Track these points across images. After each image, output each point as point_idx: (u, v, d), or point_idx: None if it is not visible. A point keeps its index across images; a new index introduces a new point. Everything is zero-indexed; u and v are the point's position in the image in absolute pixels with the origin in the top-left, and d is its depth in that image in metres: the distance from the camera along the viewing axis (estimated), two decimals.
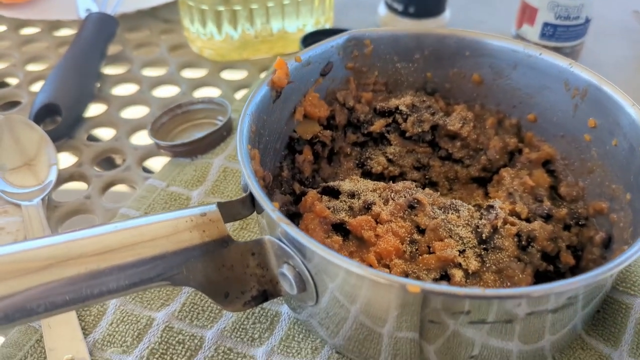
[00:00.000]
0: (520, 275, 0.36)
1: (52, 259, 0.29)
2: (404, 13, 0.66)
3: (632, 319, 0.36)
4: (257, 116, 0.38)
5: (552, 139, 0.43)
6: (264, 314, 0.39)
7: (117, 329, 0.38)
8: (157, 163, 0.53)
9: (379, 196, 0.39)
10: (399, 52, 0.46)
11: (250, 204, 0.35)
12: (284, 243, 0.31)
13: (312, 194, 0.39)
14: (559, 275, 0.39)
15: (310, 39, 0.58)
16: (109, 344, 0.37)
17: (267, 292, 0.34)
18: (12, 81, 0.63)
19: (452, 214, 0.37)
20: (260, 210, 0.35)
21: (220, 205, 0.33)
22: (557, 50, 0.59)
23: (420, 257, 0.36)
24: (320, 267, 0.30)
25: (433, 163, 0.46)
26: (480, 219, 0.37)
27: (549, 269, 0.38)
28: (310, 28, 0.64)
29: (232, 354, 0.37)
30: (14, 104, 0.60)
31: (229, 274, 0.33)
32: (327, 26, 0.66)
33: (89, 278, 0.29)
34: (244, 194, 0.35)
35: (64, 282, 0.29)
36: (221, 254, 0.32)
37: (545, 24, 0.60)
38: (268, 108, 0.40)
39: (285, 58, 0.41)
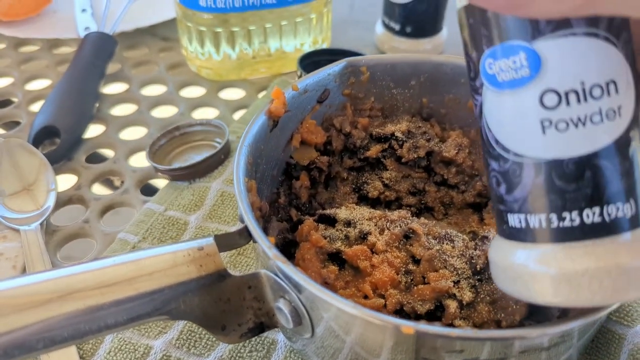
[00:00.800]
0: (514, 306, 0.36)
1: (52, 294, 0.29)
2: (401, 32, 0.66)
3: (625, 350, 0.37)
4: (255, 147, 0.38)
5: None
6: (261, 342, 0.39)
7: (115, 358, 0.38)
8: (156, 185, 0.53)
9: (375, 225, 0.39)
10: (395, 78, 0.46)
11: (246, 234, 0.35)
12: (279, 278, 0.31)
13: (308, 223, 0.40)
14: None
15: (307, 59, 0.59)
16: None
17: (264, 324, 0.35)
18: (12, 99, 0.64)
19: (447, 244, 0.38)
20: (256, 241, 0.35)
21: (217, 237, 0.33)
22: None
23: (415, 287, 0.36)
24: (315, 303, 0.30)
25: (429, 188, 0.46)
26: (475, 249, 0.37)
27: None
28: (307, 47, 0.65)
29: None
30: (13, 124, 0.60)
31: (226, 307, 0.33)
32: (325, 45, 0.67)
33: (87, 313, 0.29)
34: (241, 225, 0.35)
35: (63, 318, 0.29)
36: (218, 287, 0.32)
37: None
38: (265, 137, 0.40)
39: (282, 86, 0.41)
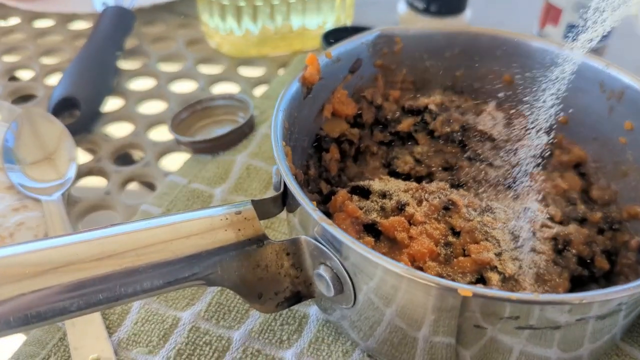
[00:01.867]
0: (557, 280, 0.35)
1: (86, 256, 0.28)
2: (425, 11, 0.65)
3: None
4: (289, 113, 0.37)
5: (584, 141, 0.43)
6: (292, 315, 0.38)
7: (142, 329, 0.37)
8: (175, 160, 0.52)
9: (412, 197, 0.38)
10: (429, 50, 0.45)
11: (281, 202, 0.34)
12: (321, 243, 0.30)
13: (342, 193, 0.38)
14: (593, 280, 0.38)
15: (331, 36, 0.58)
16: (134, 343, 0.36)
17: (301, 294, 0.33)
18: (27, 74, 0.62)
19: (487, 216, 0.37)
20: (292, 209, 0.34)
21: (254, 202, 0.32)
22: None
23: (455, 259, 0.35)
24: (360, 267, 0.29)
25: (461, 164, 0.45)
26: (517, 221, 0.36)
27: (584, 274, 0.37)
28: (330, 25, 0.63)
29: (260, 355, 0.36)
30: (29, 98, 0.59)
31: (263, 274, 0.32)
32: (348, 23, 0.66)
33: (123, 276, 0.28)
34: (275, 193, 0.34)
35: (98, 280, 0.28)
36: (256, 253, 0.31)
37: (570, 25, 0.59)
38: (299, 105, 0.39)
39: (316, 54, 0.40)
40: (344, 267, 0.30)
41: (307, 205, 0.29)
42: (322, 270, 0.31)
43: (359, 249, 0.27)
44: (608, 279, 0.39)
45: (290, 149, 0.36)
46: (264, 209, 0.33)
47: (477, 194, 0.45)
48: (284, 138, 0.35)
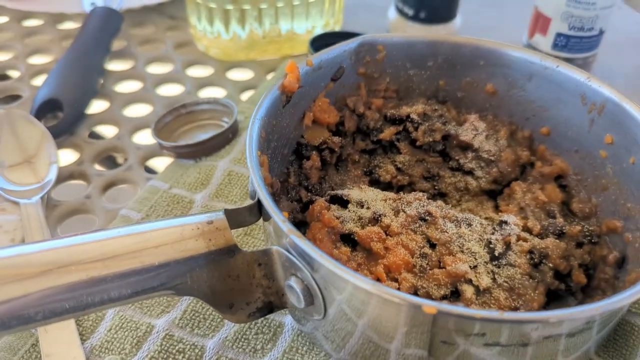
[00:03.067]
0: (532, 294, 0.35)
1: (52, 265, 0.28)
2: (415, 18, 0.65)
3: None
4: (267, 121, 0.37)
5: (565, 153, 0.42)
6: (267, 324, 0.38)
7: (115, 336, 0.37)
8: (159, 163, 0.52)
9: (390, 207, 0.38)
10: (412, 58, 0.45)
11: (257, 211, 0.34)
12: (292, 254, 0.30)
13: (320, 202, 0.38)
14: (570, 293, 0.38)
15: (319, 41, 0.57)
16: (107, 350, 0.36)
17: (273, 304, 0.33)
18: (14, 74, 0.62)
19: (464, 228, 0.36)
20: (267, 218, 0.34)
21: (227, 212, 0.32)
22: (568, 61, 0.58)
23: (430, 271, 0.35)
24: (330, 281, 0.29)
25: (443, 173, 0.45)
26: (493, 234, 0.36)
27: (561, 288, 0.37)
28: (319, 30, 0.63)
29: None
30: (14, 98, 0.59)
31: (235, 284, 0.32)
32: (337, 28, 0.65)
33: (90, 285, 0.28)
34: (251, 201, 0.34)
35: (64, 289, 0.28)
36: (227, 263, 0.31)
37: (559, 35, 0.59)
38: (278, 113, 0.39)
39: (297, 61, 0.40)
40: (314, 279, 0.30)
41: (276, 216, 0.29)
42: (293, 281, 0.31)
43: (328, 263, 0.27)
44: (586, 293, 0.38)
45: (266, 157, 0.36)
46: (237, 218, 0.33)
47: (459, 204, 0.45)
48: (260, 147, 0.35)
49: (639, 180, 0.36)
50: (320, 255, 0.27)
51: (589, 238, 0.39)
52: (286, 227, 0.29)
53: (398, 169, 0.45)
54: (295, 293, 0.31)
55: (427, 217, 0.37)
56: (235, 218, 0.33)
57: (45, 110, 0.53)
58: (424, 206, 0.37)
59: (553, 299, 0.37)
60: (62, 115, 0.52)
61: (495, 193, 0.44)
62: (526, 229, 0.39)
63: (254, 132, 0.34)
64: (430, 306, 0.25)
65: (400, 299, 0.26)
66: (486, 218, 0.42)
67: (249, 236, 0.44)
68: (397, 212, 0.37)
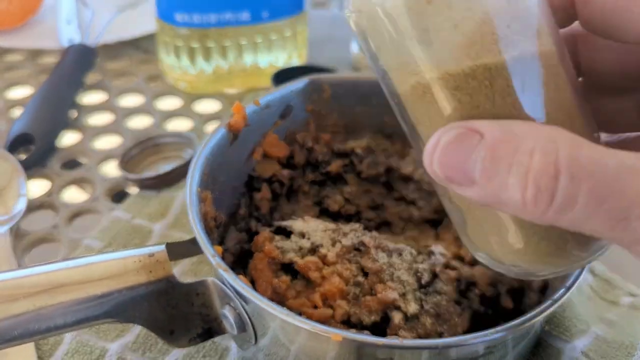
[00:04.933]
0: (456, 319, 0.37)
1: (3, 296, 0.31)
2: None
3: None
4: (212, 159, 0.39)
5: None
6: (214, 347, 0.40)
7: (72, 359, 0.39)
8: (125, 194, 0.55)
9: (329, 237, 0.40)
10: (358, 96, 0.47)
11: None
12: (225, 285, 0.33)
13: (264, 234, 0.41)
14: (498, 317, 0.40)
15: (282, 76, 0.60)
16: None
17: (212, 330, 0.36)
18: None
19: (395, 257, 0.39)
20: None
21: (168, 245, 0.34)
22: None
23: (362, 298, 0.37)
24: (257, 312, 0.32)
25: (388, 203, 0.48)
26: (422, 263, 0.39)
27: (488, 312, 0.40)
28: (282, 63, 0.66)
29: None
30: None
31: (174, 312, 0.34)
32: (300, 62, 0.68)
33: (37, 315, 0.31)
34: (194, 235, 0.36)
35: (12, 318, 0.30)
36: (166, 293, 0.34)
37: None
38: (225, 150, 0.41)
39: (244, 102, 0.43)
40: (244, 309, 0.32)
41: (208, 251, 0.32)
42: (226, 310, 0.33)
43: (250, 295, 0.30)
44: (513, 316, 0.41)
45: (209, 193, 0.39)
46: (181, 250, 0.36)
47: (403, 232, 0.48)
48: (203, 184, 0.37)
49: None
50: (243, 288, 0.30)
51: None
52: (215, 261, 0.31)
53: (346, 200, 0.48)
54: (229, 321, 0.33)
55: (361, 248, 0.39)
56: (179, 250, 0.35)
57: (19, 144, 0.56)
58: (358, 237, 0.40)
59: (481, 324, 0.40)
60: (33, 149, 0.55)
61: (437, 222, 0.47)
62: (458, 257, 0.42)
63: (196, 170, 0.37)
64: (336, 334, 0.28)
65: (311, 327, 0.28)
66: (425, 246, 0.45)
67: (204, 263, 0.46)
68: (334, 243, 0.40)
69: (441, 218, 0.47)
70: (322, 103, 0.47)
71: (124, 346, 0.40)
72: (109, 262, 0.33)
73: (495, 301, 0.40)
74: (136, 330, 0.41)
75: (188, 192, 0.35)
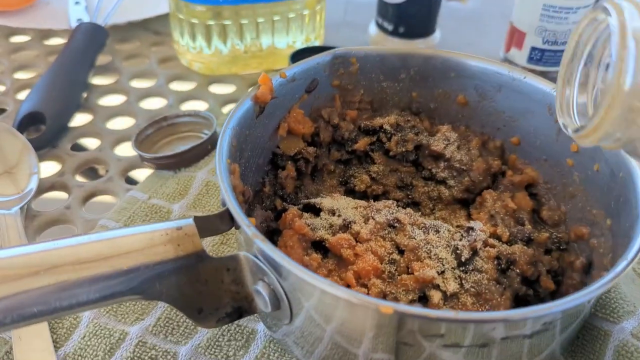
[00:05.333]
0: (499, 299, 0.35)
1: (23, 269, 0.28)
2: (394, 33, 0.66)
3: (611, 346, 0.36)
4: (239, 131, 0.37)
5: (535, 162, 0.43)
6: (240, 331, 0.38)
7: (89, 343, 0.37)
8: (140, 175, 0.53)
9: (360, 214, 0.38)
10: (385, 71, 0.46)
11: (228, 219, 0.35)
12: (259, 260, 0.31)
13: (292, 210, 0.39)
14: (538, 299, 0.39)
15: (299, 56, 0.58)
16: (80, 358, 0.37)
17: (242, 309, 0.34)
18: None
19: (432, 234, 0.37)
20: (237, 226, 0.35)
21: (196, 219, 0.32)
22: (544, 74, 0.60)
23: (398, 277, 0.35)
24: (295, 286, 0.30)
25: (416, 183, 0.46)
26: (461, 240, 0.37)
27: (529, 293, 0.38)
28: (300, 45, 0.64)
29: None
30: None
31: (203, 289, 0.32)
32: (318, 44, 0.67)
33: (59, 290, 0.29)
34: (222, 209, 0.34)
35: (34, 293, 0.28)
36: (195, 268, 0.32)
37: (533, 49, 0.60)
38: (251, 123, 0.39)
39: (270, 74, 0.41)
40: (280, 283, 0.30)
41: (243, 222, 0.30)
42: (260, 286, 0.31)
43: (290, 266, 0.28)
44: (554, 298, 0.39)
45: (238, 166, 0.37)
46: (208, 225, 0.33)
47: (432, 213, 0.46)
48: (231, 156, 0.35)
49: (602, 187, 0.37)
50: (284, 260, 0.28)
51: (557, 245, 0.40)
52: (251, 231, 0.29)
53: (372, 179, 0.46)
54: (262, 297, 0.31)
55: (395, 224, 0.37)
56: (207, 225, 0.33)
57: (28, 123, 0.54)
58: (392, 213, 0.38)
59: (522, 305, 0.38)
60: (44, 128, 0.53)
61: (467, 202, 0.45)
62: (495, 236, 0.40)
63: (224, 140, 0.35)
64: (387, 306, 0.26)
65: (359, 300, 0.26)
66: (457, 226, 0.43)
67: (226, 245, 0.44)
68: (367, 220, 0.38)
69: (472, 197, 0.45)
70: (348, 77, 0.45)
71: (145, 329, 0.38)
72: (135, 236, 0.31)
73: (535, 282, 0.38)
74: (157, 313, 0.39)
75: (218, 162, 0.33)
